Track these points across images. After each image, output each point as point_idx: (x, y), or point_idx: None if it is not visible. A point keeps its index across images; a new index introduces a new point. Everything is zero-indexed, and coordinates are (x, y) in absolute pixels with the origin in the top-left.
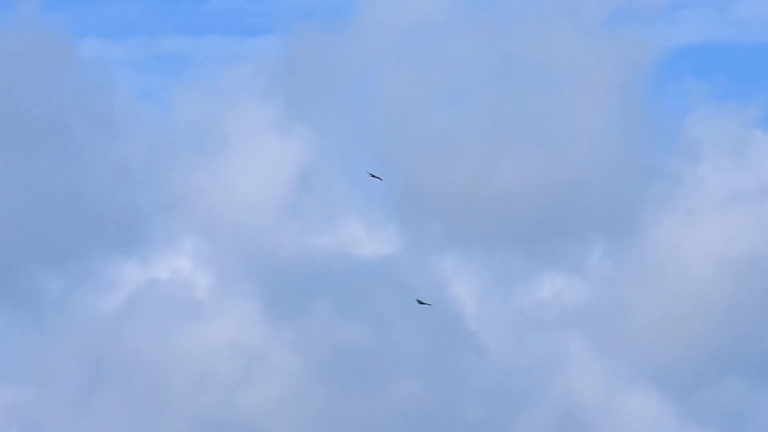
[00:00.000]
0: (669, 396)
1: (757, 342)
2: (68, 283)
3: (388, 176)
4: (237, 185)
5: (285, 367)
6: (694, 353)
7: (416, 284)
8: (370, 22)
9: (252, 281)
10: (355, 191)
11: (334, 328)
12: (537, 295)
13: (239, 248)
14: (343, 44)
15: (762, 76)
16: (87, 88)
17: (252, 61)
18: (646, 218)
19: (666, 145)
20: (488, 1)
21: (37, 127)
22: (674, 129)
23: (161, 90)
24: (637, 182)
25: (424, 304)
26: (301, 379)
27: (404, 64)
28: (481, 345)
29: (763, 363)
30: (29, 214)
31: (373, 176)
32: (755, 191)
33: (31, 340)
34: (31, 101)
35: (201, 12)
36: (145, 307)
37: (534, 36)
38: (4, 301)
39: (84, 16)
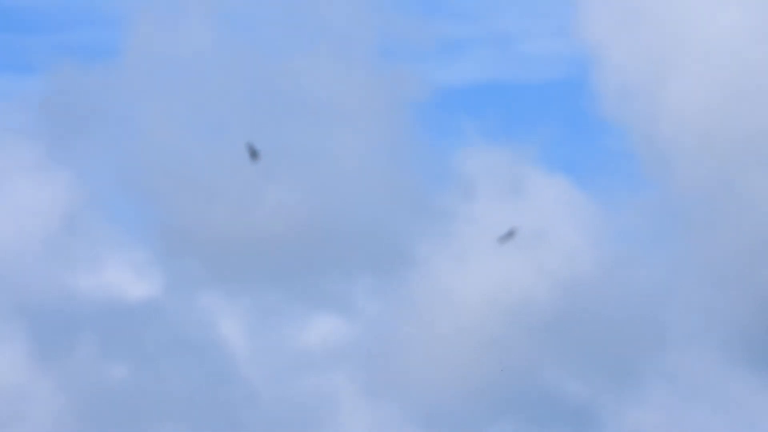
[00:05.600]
0: None
1: (532, 384)
2: None
3: (151, 217)
4: None
5: (46, 411)
6: (467, 396)
7: (182, 325)
8: (134, 61)
9: (11, 323)
10: (118, 233)
11: (98, 371)
12: (303, 336)
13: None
14: (105, 83)
15: (538, 114)
16: None
17: (13, 100)
18: (416, 256)
19: (439, 182)
20: (254, 36)
21: None
22: (447, 166)
23: None
24: (408, 219)
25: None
26: (63, 424)
27: (167, 102)
28: (251, 388)
29: (536, 406)
30: None
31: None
32: (529, 231)
33: None
34: None
35: None
36: None
37: (301, 71)
38: None
39: None
